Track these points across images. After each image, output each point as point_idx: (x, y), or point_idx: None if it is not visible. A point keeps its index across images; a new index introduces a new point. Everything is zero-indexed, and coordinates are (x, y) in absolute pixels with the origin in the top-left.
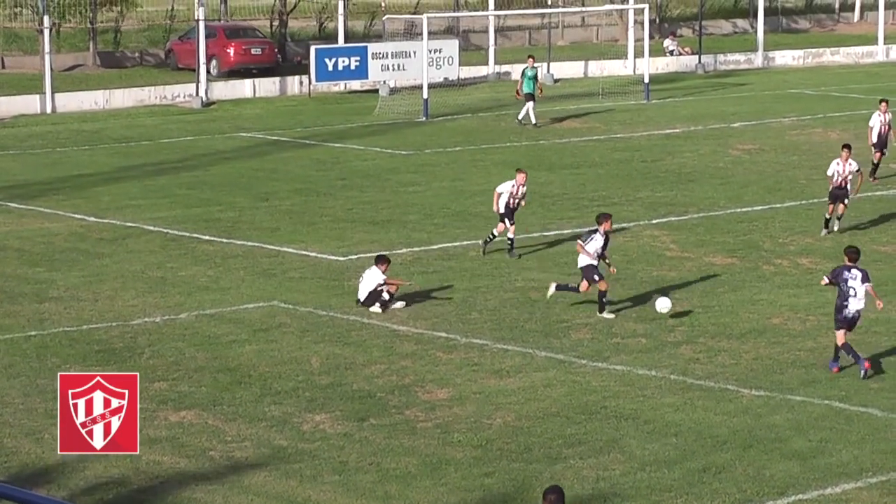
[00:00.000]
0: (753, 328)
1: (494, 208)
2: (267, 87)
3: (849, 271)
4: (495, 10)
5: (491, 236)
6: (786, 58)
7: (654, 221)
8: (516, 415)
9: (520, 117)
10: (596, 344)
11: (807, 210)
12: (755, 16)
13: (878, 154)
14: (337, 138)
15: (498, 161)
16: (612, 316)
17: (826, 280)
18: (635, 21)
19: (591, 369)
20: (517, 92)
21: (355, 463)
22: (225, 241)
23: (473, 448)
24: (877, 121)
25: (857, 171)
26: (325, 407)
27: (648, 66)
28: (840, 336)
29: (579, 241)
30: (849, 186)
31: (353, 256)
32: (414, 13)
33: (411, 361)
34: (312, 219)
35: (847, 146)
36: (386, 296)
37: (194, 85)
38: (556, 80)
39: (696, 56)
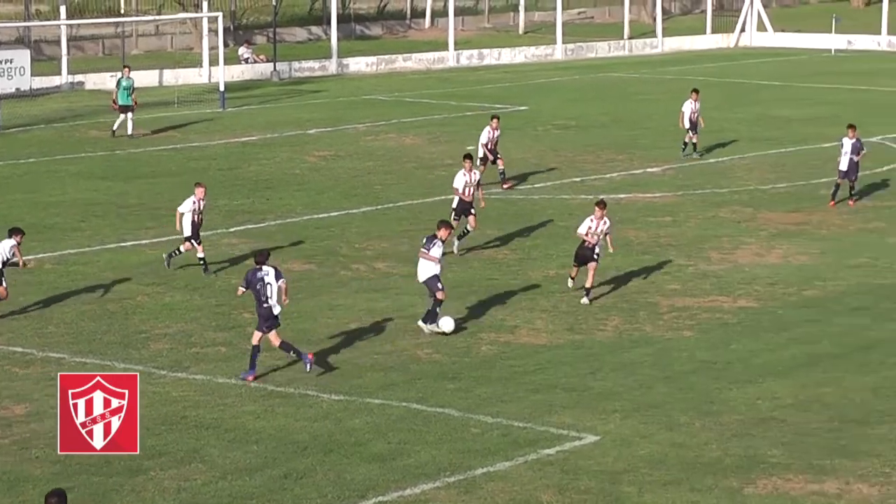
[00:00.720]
0: (332, 333)
1: (178, 228)
2: None
3: (261, 271)
4: (67, 19)
5: (176, 252)
6: (359, 64)
7: (233, 230)
8: None
9: (114, 128)
10: (175, 354)
11: (383, 214)
12: (329, 23)
13: (491, 161)
14: None
15: (74, 172)
16: (433, 329)
17: (241, 290)
18: (209, 29)
19: (171, 379)
20: (113, 102)
21: None
22: None
23: (52, 464)
24: (486, 136)
25: (477, 182)
26: None
27: (224, 75)
28: (273, 337)
29: (422, 249)
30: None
31: None
32: None
33: None
34: None
35: (468, 156)
36: None
37: None
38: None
39: (272, 64)
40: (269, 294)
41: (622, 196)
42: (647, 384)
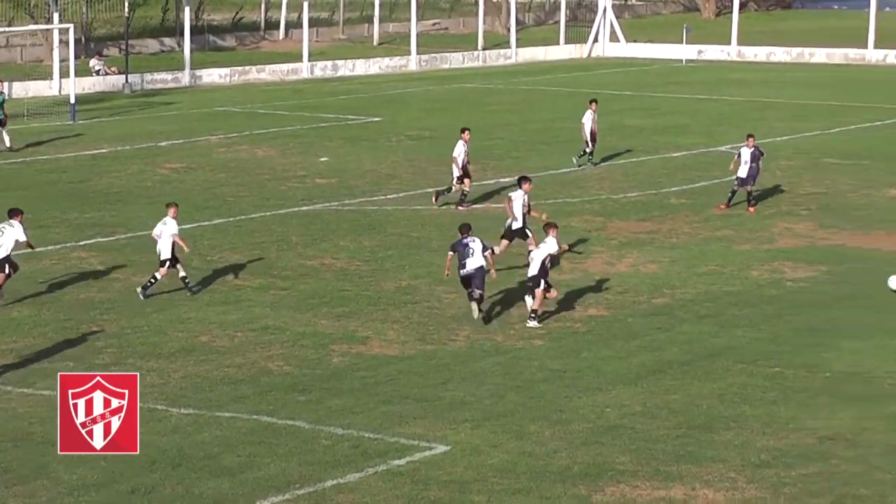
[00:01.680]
0: (182, 347)
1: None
2: None
3: None
4: None
5: (152, 280)
6: (213, 76)
7: (82, 243)
8: None
9: (8, 145)
10: (22, 369)
11: (235, 227)
12: (182, 34)
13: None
14: None
15: None
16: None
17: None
18: (60, 41)
19: (16, 395)
20: None
21: None
22: None
23: None
24: (460, 150)
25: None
26: None
27: (74, 87)
28: None
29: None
30: None
31: None
32: None
33: None
34: None
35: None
36: None
37: None
38: None
39: (123, 75)
40: None
41: (477, 206)
42: (498, 393)
